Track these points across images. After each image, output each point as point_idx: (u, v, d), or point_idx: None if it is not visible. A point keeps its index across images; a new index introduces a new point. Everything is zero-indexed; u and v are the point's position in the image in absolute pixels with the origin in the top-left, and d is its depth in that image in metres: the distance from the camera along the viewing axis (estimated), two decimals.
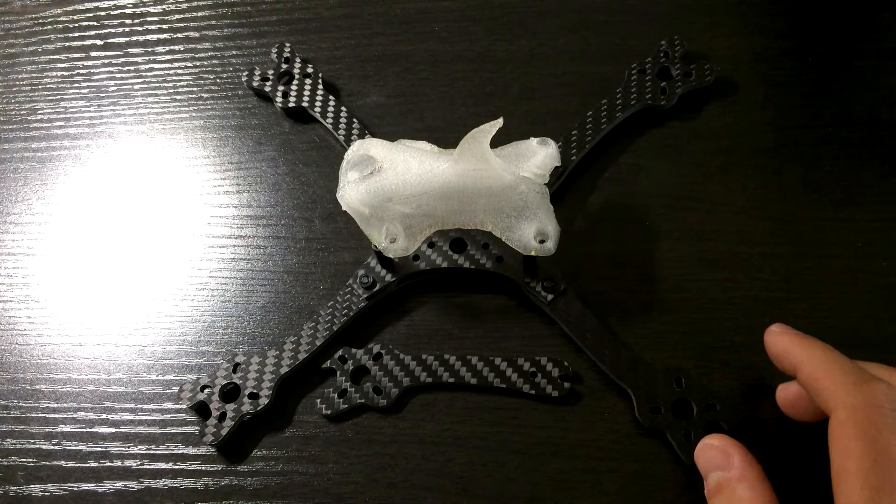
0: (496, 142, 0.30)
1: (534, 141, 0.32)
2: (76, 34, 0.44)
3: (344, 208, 0.31)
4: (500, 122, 0.30)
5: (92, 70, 0.42)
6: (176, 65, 0.42)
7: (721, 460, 0.27)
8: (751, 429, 0.30)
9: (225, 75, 0.41)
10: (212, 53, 0.42)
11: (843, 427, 0.23)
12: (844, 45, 0.39)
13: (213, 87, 0.41)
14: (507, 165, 0.31)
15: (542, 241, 0.30)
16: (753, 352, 0.30)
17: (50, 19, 0.44)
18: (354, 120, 0.38)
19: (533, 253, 0.30)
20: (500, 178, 0.30)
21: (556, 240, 0.30)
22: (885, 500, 0.21)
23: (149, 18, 0.44)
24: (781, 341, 0.27)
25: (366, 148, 0.32)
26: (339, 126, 0.38)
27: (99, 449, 0.32)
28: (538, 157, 0.31)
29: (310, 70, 0.40)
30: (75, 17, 0.44)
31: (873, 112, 0.37)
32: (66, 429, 0.33)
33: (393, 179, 0.30)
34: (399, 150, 0.31)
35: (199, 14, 0.44)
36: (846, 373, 0.24)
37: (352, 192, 0.30)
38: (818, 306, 0.32)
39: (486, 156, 0.30)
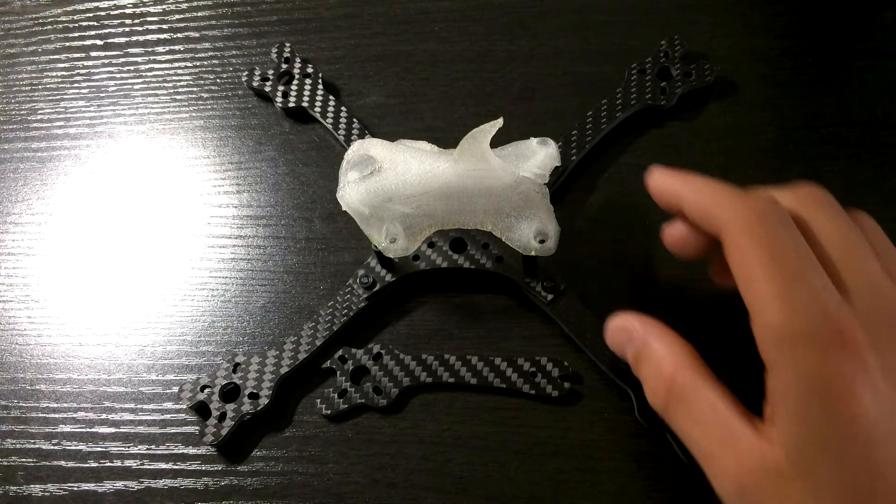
0: (496, 142, 0.30)
1: (534, 141, 0.32)
2: (76, 34, 0.44)
3: (344, 208, 0.31)
4: (499, 122, 0.30)
5: (92, 70, 0.42)
6: (176, 65, 0.42)
7: (624, 336, 0.27)
8: None
9: (225, 75, 0.41)
10: (212, 53, 0.42)
11: (739, 238, 0.23)
12: (844, 45, 0.39)
13: (213, 87, 0.41)
14: (507, 165, 0.31)
15: (542, 241, 0.30)
16: (754, 351, 0.30)
17: (50, 19, 0.44)
18: (354, 120, 0.38)
19: (533, 253, 0.30)
20: (500, 178, 0.30)
21: (556, 240, 0.30)
22: (797, 288, 0.22)
23: (149, 18, 0.44)
24: (663, 179, 0.28)
25: (366, 148, 0.32)
26: (339, 126, 0.38)
27: (99, 449, 0.32)
28: (538, 157, 0.31)
29: (310, 70, 0.40)
30: (75, 17, 0.44)
31: (873, 112, 0.37)
32: (66, 429, 0.33)
33: (393, 179, 0.30)
34: (399, 150, 0.31)
35: (199, 14, 0.44)
36: (730, 192, 0.25)
37: (352, 192, 0.30)
38: None
39: (486, 156, 0.30)
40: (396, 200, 0.30)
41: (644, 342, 0.26)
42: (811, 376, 0.21)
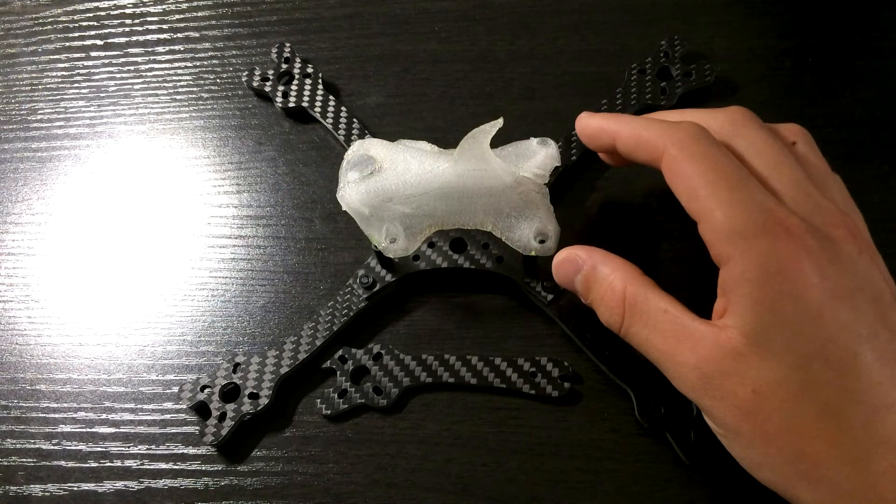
0: (496, 142, 0.30)
1: (534, 141, 0.32)
2: (76, 34, 0.44)
3: (344, 208, 0.31)
4: (500, 123, 0.30)
5: (92, 70, 0.42)
6: (176, 65, 0.42)
7: (571, 267, 0.29)
8: None
9: (225, 75, 0.41)
10: (212, 53, 0.42)
11: (679, 160, 0.26)
12: (844, 45, 0.39)
13: (213, 87, 0.41)
14: (507, 165, 0.31)
15: (542, 241, 0.30)
16: None
17: (50, 19, 0.44)
18: (354, 120, 0.38)
19: (533, 253, 0.30)
20: (500, 178, 0.30)
21: (556, 240, 0.30)
22: (739, 192, 0.24)
23: (149, 18, 0.44)
24: (595, 121, 0.30)
25: (366, 148, 0.32)
26: (339, 126, 0.38)
27: (99, 449, 0.32)
28: (538, 157, 0.31)
29: (310, 70, 0.40)
30: (75, 17, 0.44)
31: (873, 112, 0.37)
32: (66, 429, 0.33)
33: (393, 179, 0.30)
34: (399, 150, 0.31)
35: (199, 14, 0.44)
36: (663, 123, 0.28)
37: (352, 192, 0.30)
38: None
39: (486, 156, 0.30)
40: (396, 200, 0.30)
41: (591, 267, 0.28)
42: (763, 262, 0.23)
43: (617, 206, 0.36)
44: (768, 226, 0.24)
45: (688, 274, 0.33)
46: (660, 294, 0.26)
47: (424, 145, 0.33)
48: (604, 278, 0.28)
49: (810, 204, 0.25)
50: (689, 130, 0.26)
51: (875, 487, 0.22)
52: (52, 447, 0.32)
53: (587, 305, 0.29)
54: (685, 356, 0.25)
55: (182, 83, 0.41)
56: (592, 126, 0.30)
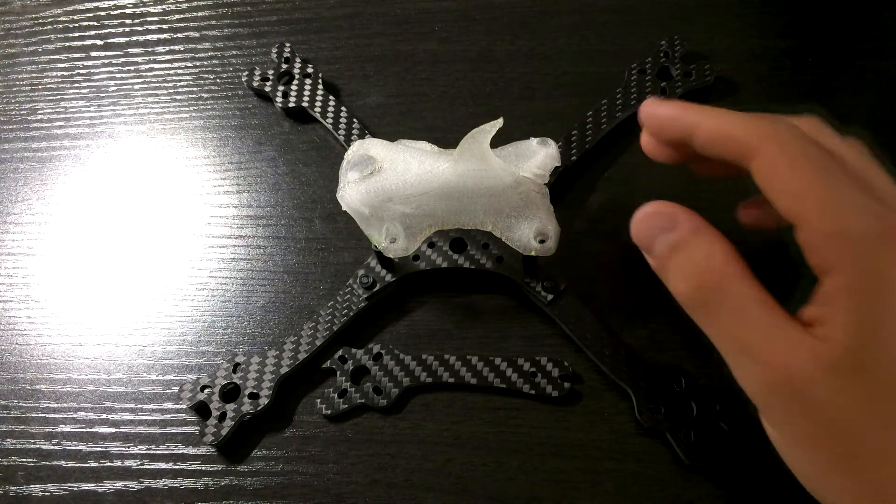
0: (496, 142, 0.30)
1: (534, 141, 0.32)
2: (76, 34, 0.44)
3: (344, 208, 0.31)
4: (499, 123, 0.30)
5: (92, 70, 0.42)
6: (176, 65, 0.42)
7: (665, 221, 0.25)
8: (751, 429, 0.30)
9: (225, 75, 0.41)
10: (212, 53, 0.42)
11: (777, 157, 0.23)
12: (844, 45, 0.39)
13: (213, 87, 0.41)
14: (507, 165, 0.31)
15: (542, 241, 0.30)
16: None
17: (50, 19, 0.44)
18: (354, 120, 0.38)
19: (533, 253, 0.30)
20: (500, 178, 0.30)
21: (556, 240, 0.30)
22: (845, 194, 0.22)
23: (149, 18, 0.44)
24: (667, 108, 0.27)
25: (366, 148, 0.32)
26: (339, 126, 0.38)
27: (99, 449, 0.32)
28: (538, 157, 0.31)
29: (310, 70, 0.40)
30: (75, 17, 0.44)
31: (873, 112, 0.37)
32: (66, 429, 0.33)
33: (393, 179, 0.30)
34: (399, 150, 0.31)
35: (199, 14, 0.44)
36: (754, 117, 0.24)
37: (352, 192, 0.30)
38: None
39: (486, 156, 0.30)
40: (396, 200, 0.30)
41: (691, 230, 0.25)
42: (873, 271, 0.21)
43: (617, 206, 0.36)
44: (882, 231, 0.21)
45: None
46: (757, 282, 0.23)
47: (424, 145, 0.33)
48: (702, 244, 0.24)
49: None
50: (788, 128, 0.24)
51: None
52: (52, 447, 0.32)
53: (653, 266, 0.26)
54: (772, 357, 0.22)
55: (182, 83, 0.41)
56: (663, 114, 0.27)
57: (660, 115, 0.27)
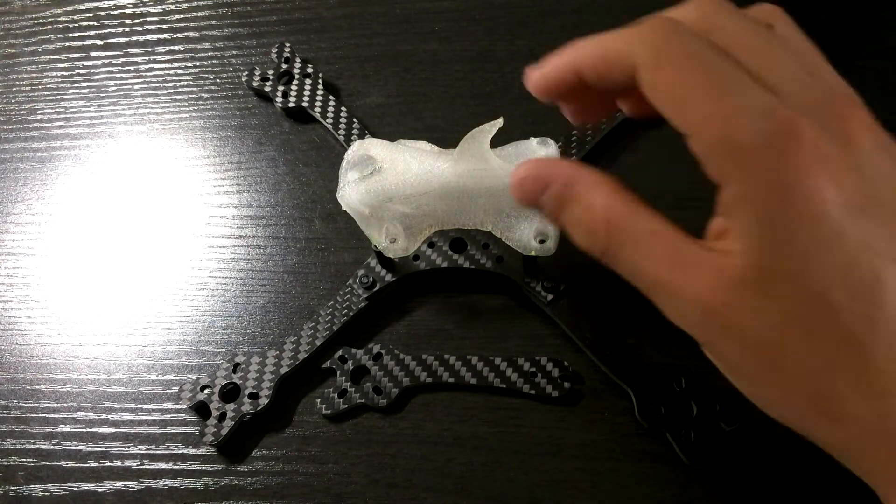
0: (496, 142, 0.30)
1: (534, 141, 0.32)
2: (76, 34, 0.44)
3: (344, 208, 0.31)
4: (500, 123, 0.30)
5: (92, 70, 0.42)
6: (176, 65, 0.42)
7: (537, 183, 0.24)
8: (751, 429, 0.30)
9: (225, 75, 0.41)
10: (212, 53, 0.42)
11: (661, 68, 0.22)
12: (844, 45, 0.39)
13: (213, 87, 0.41)
14: (507, 165, 0.31)
15: (541, 241, 0.30)
16: None
17: (50, 19, 0.44)
18: (354, 120, 0.38)
19: (533, 253, 0.30)
20: (499, 178, 0.30)
21: (556, 240, 0.30)
22: (735, 97, 0.21)
23: (149, 18, 0.44)
24: (547, 66, 0.26)
25: (365, 148, 0.32)
26: (339, 126, 0.38)
27: (99, 449, 0.32)
28: (538, 157, 0.31)
29: (310, 70, 0.40)
30: (75, 17, 0.44)
31: (873, 112, 0.37)
32: (66, 429, 0.33)
33: (393, 179, 0.30)
34: (399, 150, 0.31)
35: (199, 14, 0.44)
36: (629, 31, 0.23)
37: (352, 192, 0.30)
38: None
39: (485, 156, 0.30)
40: (396, 200, 0.30)
41: (565, 183, 0.24)
42: (772, 178, 0.20)
43: None
44: (774, 133, 0.20)
45: None
46: (650, 212, 0.23)
47: (424, 145, 0.33)
48: (580, 195, 0.23)
49: (815, 94, 0.22)
50: (661, 29, 0.22)
51: None
52: (52, 447, 0.32)
53: (560, 227, 0.25)
54: (683, 287, 0.21)
55: (182, 83, 0.41)
56: (548, 73, 0.26)
57: (545, 73, 0.26)
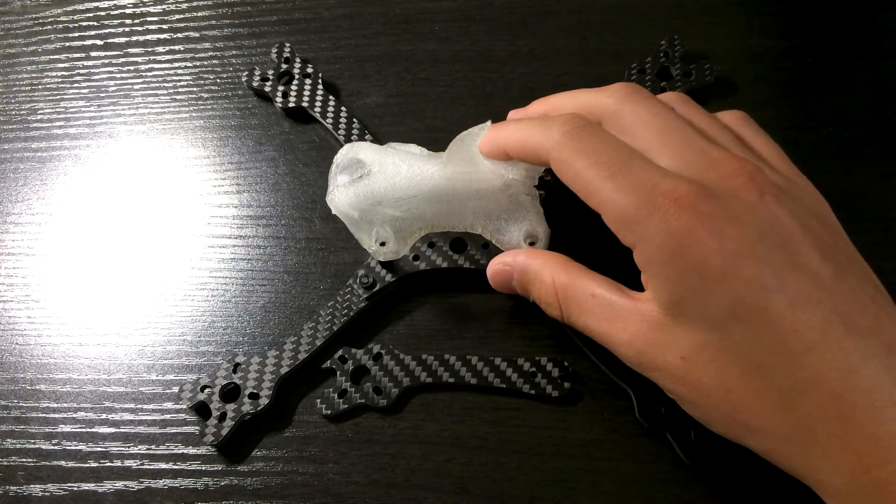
0: None
1: None
2: (76, 34, 0.44)
3: (334, 212, 0.31)
4: (488, 125, 0.30)
5: (92, 70, 0.42)
6: (176, 65, 0.42)
7: (503, 276, 0.30)
8: None
9: (225, 75, 0.41)
10: (212, 53, 0.42)
11: (561, 159, 0.27)
12: (844, 45, 0.39)
13: (213, 87, 0.41)
14: (497, 168, 0.31)
15: (532, 244, 0.30)
16: None
17: (50, 19, 0.44)
18: (354, 120, 0.38)
19: None
20: (488, 181, 0.30)
21: (546, 241, 0.30)
22: (623, 177, 0.25)
23: (149, 18, 0.44)
24: (488, 137, 0.30)
25: (355, 151, 0.32)
26: (339, 126, 0.38)
27: (99, 449, 0.32)
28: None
29: (310, 70, 0.40)
30: (75, 17, 0.44)
31: (873, 112, 0.37)
32: (66, 429, 0.33)
33: (382, 183, 0.30)
34: (388, 153, 0.31)
35: (199, 14, 0.44)
36: (537, 126, 0.28)
37: (341, 195, 0.30)
38: None
39: (474, 158, 0.30)
40: (386, 204, 0.30)
41: (521, 270, 0.29)
42: (661, 242, 0.24)
43: None
44: (656, 203, 0.24)
45: None
46: (588, 278, 0.27)
47: (414, 148, 0.33)
48: (534, 276, 0.29)
49: (704, 161, 0.25)
50: (564, 125, 0.27)
51: (808, 428, 0.23)
52: (52, 447, 0.32)
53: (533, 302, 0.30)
54: (619, 335, 0.26)
55: (182, 83, 0.41)
56: (486, 144, 0.30)
57: (485, 143, 0.30)
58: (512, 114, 0.33)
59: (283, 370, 0.32)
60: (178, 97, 0.41)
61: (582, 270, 0.28)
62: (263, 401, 0.31)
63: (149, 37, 0.43)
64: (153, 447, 0.32)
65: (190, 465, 0.31)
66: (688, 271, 0.24)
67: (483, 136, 0.30)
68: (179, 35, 0.43)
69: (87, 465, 0.32)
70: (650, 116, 0.27)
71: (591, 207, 0.26)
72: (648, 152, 0.26)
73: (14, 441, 0.33)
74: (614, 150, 0.26)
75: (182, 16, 0.44)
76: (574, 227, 0.35)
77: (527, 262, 0.29)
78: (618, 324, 0.26)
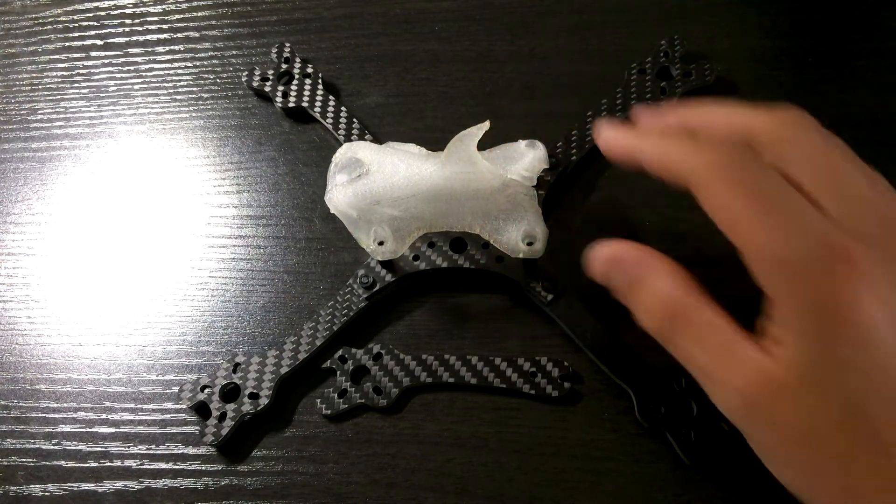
0: (492, 143, 0.30)
1: (522, 143, 0.32)
2: (76, 34, 0.44)
3: (332, 211, 0.31)
4: (486, 125, 0.30)
5: (92, 70, 0.42)
6: (176, 65, 0.42)
7: (616, 265, 0.26)
8: None
9: (225, 75, 0.41)
10: (212, 53, 0.42)
11: (710, 186, 0.23)
12: (844, 45, 0.39)
13: (213, 87, 0.41)
14: (495, 168, 0.31)
15: (529, 244, 0.30)
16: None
17: (50, 19, 0.44)
18: (354, 120, 0.38)
19: (521, 255, 0.31)
20: (487, 181, 0.30)
21: (544, 242, 0.30)
22: (782, 216, 0.22)
23: (149, 18, 0.44)
24: (618, 139, 0.28)
25: (353, 151, 0.32)
26: (339, 126, 0.38)
27: (99, 449, 0.32)
28: (526, 159, 0.31)
29: (310, 70, 0.40)
30: (75, 17, 0.44)
31: (873, 112, 0.37)
32: (66, 429, 0.33)
33: (380, 182, 0.30)
34: (387, 152, 0.31)
35: (199, 14, 0.44)
36: (691, 143, 0.25)
37: (339, 195, 0.30)
38: None
39: (473, 158, 0.30)
40: (384, 203, 0.30)
41: (636, 262, 0.26)
42: (816, 298, 0.21)
43: (617, 205, 0.36)
44: (821, 254, 0.21)
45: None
46: (709, 303, 0.24)
47: (412, 147, 0.33)
48: (648, 278, 0.25)
49: (878, 220, 0.22)
50: (722, 155, 0.24)
51: None
52: (52, 447, 0.32)
53: (622, 303, 0.27)
54: (730, 378, 0.23)
55: (182, 83, 0.41)
56: (613, 145, 0.28)
57: (611, 145, 0.28)
58: (644, 117, 0.29)
59: (283, 370, 0.32)
60: (178, 97, 0.41)
61: (704, 292, 0.24)
62: (263, 401, 0.31)
63: (149, 37, 0.43)
64: (153, 447, 0.32)
65: (190, 465, 0.31)
66: (839, 338, 0.21)
67: (605, 131, 0.28)
68: (179, 35, 0.43)
69: (87, 465, 0.32)
70: (822, 155, 0.24)
71: (733, 243, 0.23)
72: (812, 195, 0.23)
73: (14, 441, 0.33)
74: (777, 187, 0.23)
75: (182, 16, 0.44)
76: (574, 227, 0.35)
77: (645, 259, 0.25)
78: (733, 366, 0.23)
